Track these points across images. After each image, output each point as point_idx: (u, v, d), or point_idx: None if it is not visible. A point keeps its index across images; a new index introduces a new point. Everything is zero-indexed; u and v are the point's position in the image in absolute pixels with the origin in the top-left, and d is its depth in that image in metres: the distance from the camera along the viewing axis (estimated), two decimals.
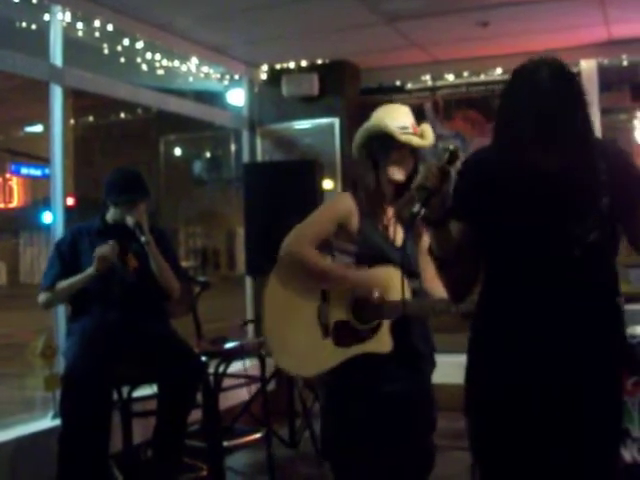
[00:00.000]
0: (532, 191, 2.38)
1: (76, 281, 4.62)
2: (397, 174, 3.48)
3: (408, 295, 3.19)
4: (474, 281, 2.56)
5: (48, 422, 4.89)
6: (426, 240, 3.41)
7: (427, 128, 3.58)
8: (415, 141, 3.48)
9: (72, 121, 15.41)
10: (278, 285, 3.61)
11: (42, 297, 4.72)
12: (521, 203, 2.39)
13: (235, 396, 5.93)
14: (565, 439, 2.38)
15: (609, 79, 6.84)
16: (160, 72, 6.46)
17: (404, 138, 3.44)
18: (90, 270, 4.56)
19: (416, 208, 2.33)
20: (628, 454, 4.67)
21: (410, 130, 3.50)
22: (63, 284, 4.64)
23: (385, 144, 3.48)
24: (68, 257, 4.71)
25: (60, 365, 4.78)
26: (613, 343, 2.43)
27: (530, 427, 2.41)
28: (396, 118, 3.54)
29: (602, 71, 6.81)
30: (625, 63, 6.73)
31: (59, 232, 5.17)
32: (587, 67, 6.82)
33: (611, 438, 2.43)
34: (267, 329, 3.63)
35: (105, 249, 4.55)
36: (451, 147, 2.39)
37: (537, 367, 2.40)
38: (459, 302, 2.69)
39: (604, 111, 6.79)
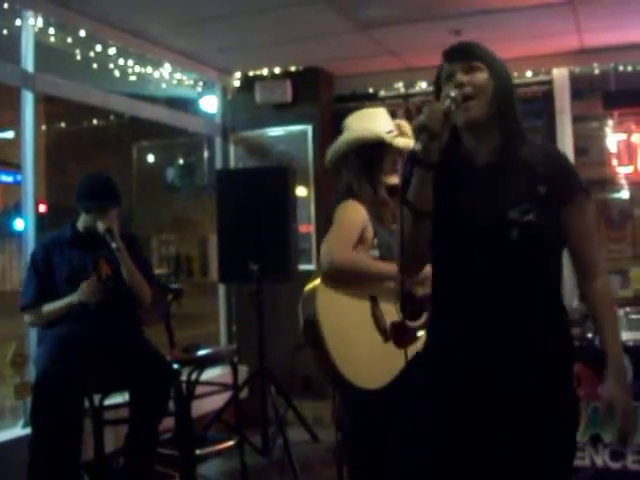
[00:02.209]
0: (470, 179, 2.48)
1: (60, 308, 4.64)
2: (394, 178, 3.55)
3: None
4: (425, 260, 2.55)
5: (18, 430, 4.85)
6: None
7: (403, 123, 3.61)
8: (404, 143, 3.51)
9: (44, 127, 15.29)
10: (329, 300, 3.49)
11: (27, 318, 4.77)
12: (458, 190, 2.47)
13: (208, 404, 5.91)
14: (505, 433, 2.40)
15: (581, 87, 6.90)
16: (133, 78, 6.43)
17: (398, 142, 3.50)
18: (73, 299, 4.60)
19: (417, 147, 2.29)
20: (600, 459, 4.70)
21: (395, 132, 3.56)
22: (48, 309, 4.67)
23: (379, 151, 3.54)
24: (43, 271, 4.71)
25: (31, 373, 4.74)
26: (554, 329, 2.46)
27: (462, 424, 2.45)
28: (381, 123, 3.60)
29: (574, 79, 6.86)
30: (597, 71, 6.77)
31: (31, 239, 5.14)
32: (559, 75, 6.88)
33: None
34: (332, 350, 3.40)
35: (88, 292, 4.59)
36: (452, 94, 2.38)
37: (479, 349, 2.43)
38: (410, 270, 2.62)
39: (576, 119, 6.86)
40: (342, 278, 3.47)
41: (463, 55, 2.50)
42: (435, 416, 2.52)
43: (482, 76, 2.45)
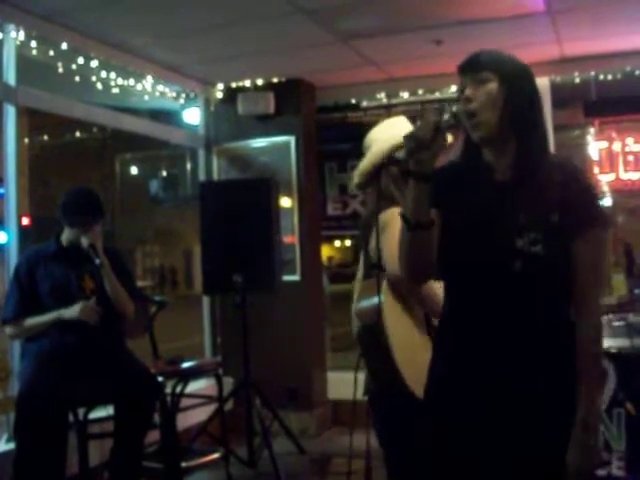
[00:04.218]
0: (482, 199, 2.41)
1: (45, 322, 4.61)
2: None
3: None
4: (432, 266, 2.45)
5: (2, 445, 4.82)
6: None
7: None
8: None
9: (27, 140, 15.27)
10: (394, 307, 3.43)
11: (8, 330, 4.72)
12: (470, 208, 2.41)
13: (193, 416, 5.89)
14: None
15: (562, 96, 6.92)
16: (115, 91, 6.42)
17: None
18: (64, 315, 4.58)
19: (401, 155, 2.28)
20: None
21: None
22: (32, 322, 4.63)
23: None
24: (26, 285, 4.68)
25: (14, 387, 4.72)
26: (556, 360, 2.37)
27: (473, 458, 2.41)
28: (409, 128, 3.60)
29: (555, 88, 6.89)
30: (577, 80, 6.81)
31: (14, 252, 5.12)
32: (540, 84, 6.80)
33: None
34: (396, 354, 3.34)
35: (89, 313, 4.58)
36: (454, 109, 2.33)
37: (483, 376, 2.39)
38: (417, 279, 2.60)
39: (557, 128, 6.88)
40: (402, 288, 3.41)
41: (472, 67, 2.43)
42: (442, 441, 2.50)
43: (489, 88, 2.40)
